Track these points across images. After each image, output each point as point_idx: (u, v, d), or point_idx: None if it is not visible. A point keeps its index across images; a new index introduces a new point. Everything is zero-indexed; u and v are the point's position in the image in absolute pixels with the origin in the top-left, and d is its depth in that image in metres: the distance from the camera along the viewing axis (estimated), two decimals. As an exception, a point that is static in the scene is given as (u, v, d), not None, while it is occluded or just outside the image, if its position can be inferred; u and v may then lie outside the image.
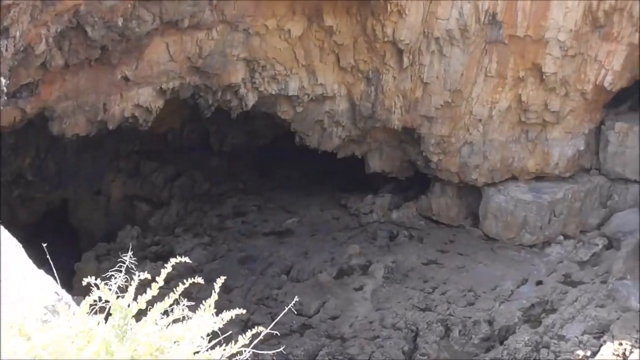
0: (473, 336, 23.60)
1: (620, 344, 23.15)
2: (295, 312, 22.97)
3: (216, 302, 4.87)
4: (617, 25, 24.46)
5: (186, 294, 4.85)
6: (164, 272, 4.91)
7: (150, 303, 4.91)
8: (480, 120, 25.75)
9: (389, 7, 22.82)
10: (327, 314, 23.68)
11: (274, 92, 24.09)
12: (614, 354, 22.98)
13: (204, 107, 24.40)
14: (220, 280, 5.04)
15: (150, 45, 21.16)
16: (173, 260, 4.97)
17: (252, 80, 23.57)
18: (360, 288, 24.82)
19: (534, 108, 25.65)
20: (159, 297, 4.95)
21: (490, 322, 23.83)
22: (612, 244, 26.27)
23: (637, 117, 27.17)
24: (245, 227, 28.52)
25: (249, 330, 4.94)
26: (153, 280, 4.97)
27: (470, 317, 23.95)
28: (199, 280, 5.04)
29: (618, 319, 23.76)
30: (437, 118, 25.49)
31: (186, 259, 5.12)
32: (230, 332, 4.80)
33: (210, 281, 5.79)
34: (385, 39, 23.72)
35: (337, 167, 30.01)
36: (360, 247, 26.46)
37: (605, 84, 25.38)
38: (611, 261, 25.54)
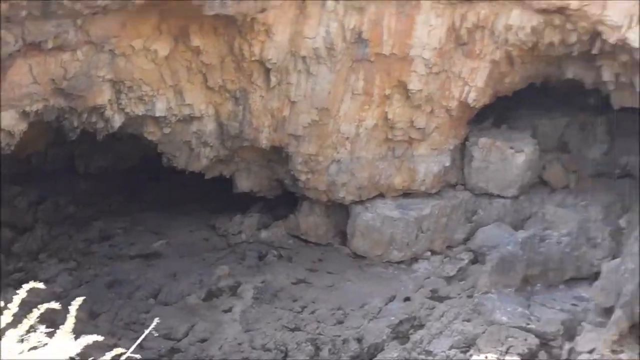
0: (342, 354, 23.65)
1: (486, 357, 23.75)
2: (164, 337, 22.77)
3: (82, 328, 4.75)
4: (479, 42, 25.11)
5: (50, 320, 4.72)
6: (17, 299, 4.78)
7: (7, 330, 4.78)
8: (347, 138, 25.96)
9: (256, 27, 22.85)
10: (196, 337, 23.43)
11: (140, 113, 23.74)
12: None
13: (69, 130, 23.86)
14: (77, 302, 4.93)
15: (12, 67, 20.57)
16: (27, 287, 4.85)
17: (118, 102, 23.22)
18: (230, 309, 24.65)
19: (400, 125, 26.01)
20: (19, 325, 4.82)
21: (359, 340, 23.91)
22: (477, 258, 26.81)
23: (499, 132, 27.96)
24: (112, 250, 28.00)
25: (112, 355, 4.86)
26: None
27: (339, 336, 24.01)
28: (56, 305, 4.92)
29: (484, 332, 24.13)
30: (305, 136, 25.60)
31: (41, 285, 5.00)
32: (93, 358, 4.71)
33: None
34: (253, 59, 23.71)
35: (207, 187, 29.84)
36: (229, 268, 26.29)
37: (469, 101, 26.00)
38: (477, 275, 26.03)
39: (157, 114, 24.06)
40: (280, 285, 25.95)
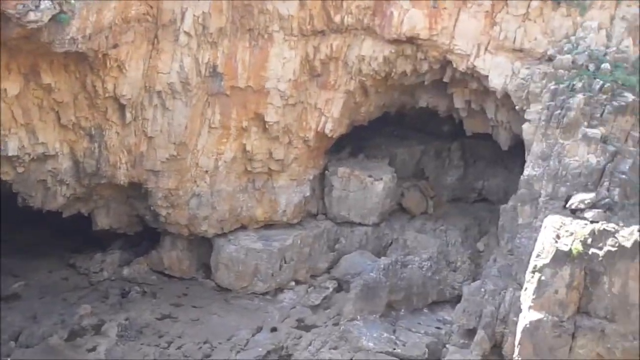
0: None
1: None
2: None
3: None
4: (333, 73, 25.63)
5: None
6: None
7: None
8: (207, 171, 25.99)
9: (108, 63, 22.75)
10: (58, 378, 23.14)
11: (-8, 154, 23.29)
12: None
13: None
14: None
15: None
16: None
17: (-32, 142, 22.76)
18: (94, 348, 24.27)
19: (259, 157, 26.25)
20: None
21: None
22: (341, 286, 27.17)
23: (357, 162, 28.51)
24: (-31, 294, 27.36)
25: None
26: None
27: None
28: None
29: (351, 359, 24.66)
30: (164, 172, 25.49)
31: None
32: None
33: None
34: (107, 95, 23.56)
35: (65, 226, 29.37)
36: (91, 307, 25.88)
37: (326, 131, 26.45)
38: (342, 303, 26.44)
39: (10, 154, 23.47)
40: (145, 321, 25.77)
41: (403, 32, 25.34)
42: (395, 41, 25.53)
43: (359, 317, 25.90)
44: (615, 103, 24.36)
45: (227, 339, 25.17)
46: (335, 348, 24.96)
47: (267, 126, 25.41)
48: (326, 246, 28.27)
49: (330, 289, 27.17)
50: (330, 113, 26.09)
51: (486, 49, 25.25)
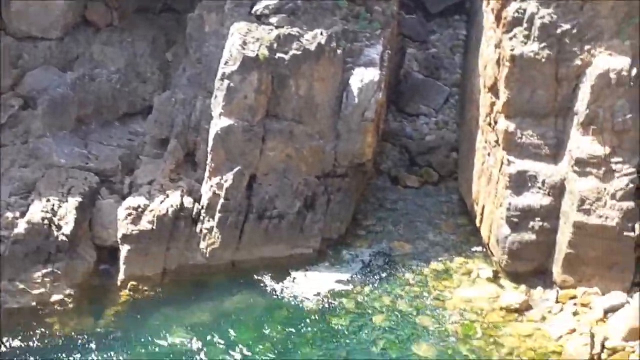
0: None
1: (48, 200, 24.14)
2: None
3: None
4: None
5: None
6: None
7: None
8: None
9: None
10: None
11: None
12: (42, 210, 23.94)
13: None
14: None
15: None
16: None
17: None
18: None
19: None
20: None
21: None
22: (28, 103, 26.57)
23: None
24: None
25: None
26: None
27: None
28: None
29: (43, 176, 24.75)
30: None
31: None
32: None
33: None
34: None
35: None
36: None
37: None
38: (29, 121, 26.07)
39: None
40: None
41: None
42: None
43: (48, 133, 25.80)
44: None
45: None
46: (25, 166, 24.91)
47: None
48: (8, 63, 27.33)
49: (16, 107, 26.53)
50: None
51: None
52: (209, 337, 22.88)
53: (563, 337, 22.41)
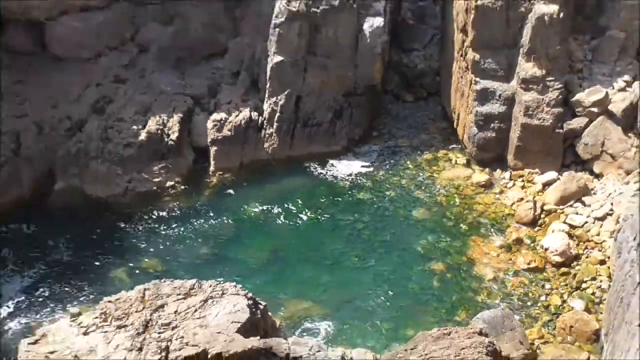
0: (59, 131, 23.66)
1: (160, 117, 24.46)
2: None
3: None
4: None
5: None
6: None
7: None
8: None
9: None
10: None
11: None
12: (156, 124, 24.32)
13: None
14: None
15: None
16: None
17: None
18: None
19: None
20: None
21: (69, 118, 23.81)
22: (142, 49, 26.14)
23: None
24: None
25: None
26: None
27: (54, 117, 23.57)
28: None
29: (155, 100, 24.93)
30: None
31: None
32: None
33: None
34: None
35: None
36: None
37: None
38: (144, 61, 25.91)
39: None
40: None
41: None
42: None
43: (157, 70, 25.70)
44: None
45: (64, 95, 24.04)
46: (143, 93, 25.00)
47: None
48: (127, 21, 26.43)
49: (134, 52, 26.09)
50: None
51: None
52: (275, 207, 23.34)
53: (515, 203, 22.93)
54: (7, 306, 20.01)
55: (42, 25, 25.49)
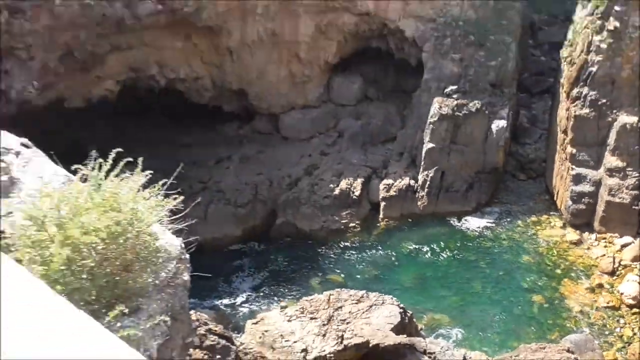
0: (282, 185, 24.81)
1: (348, 179, 23.91)
2: None
3: None
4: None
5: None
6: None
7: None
8: None
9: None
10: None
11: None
12: (346, 184, 23.93)
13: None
14: None
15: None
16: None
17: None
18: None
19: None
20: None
21: (289, 176, 25.23)
22: (340, 135, 26.32)
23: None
24: None
25: None
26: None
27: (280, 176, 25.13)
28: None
29: (345, 169, 24.70)
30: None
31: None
32: None
33: None
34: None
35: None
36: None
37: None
38: (341, 143, 25.78)
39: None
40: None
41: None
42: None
43: (349, 149, 26.17)
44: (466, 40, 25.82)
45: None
46: (339, 163, 25.37)
47: None
48: (331, 117, 27.13)
49: (334, 137, 26.95)
50: None
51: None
52: (424, 247, 23.39)
53: (599, 258, 22.44)
54: (242, 296, 21.31)
55: (278, 116, 27.85)
